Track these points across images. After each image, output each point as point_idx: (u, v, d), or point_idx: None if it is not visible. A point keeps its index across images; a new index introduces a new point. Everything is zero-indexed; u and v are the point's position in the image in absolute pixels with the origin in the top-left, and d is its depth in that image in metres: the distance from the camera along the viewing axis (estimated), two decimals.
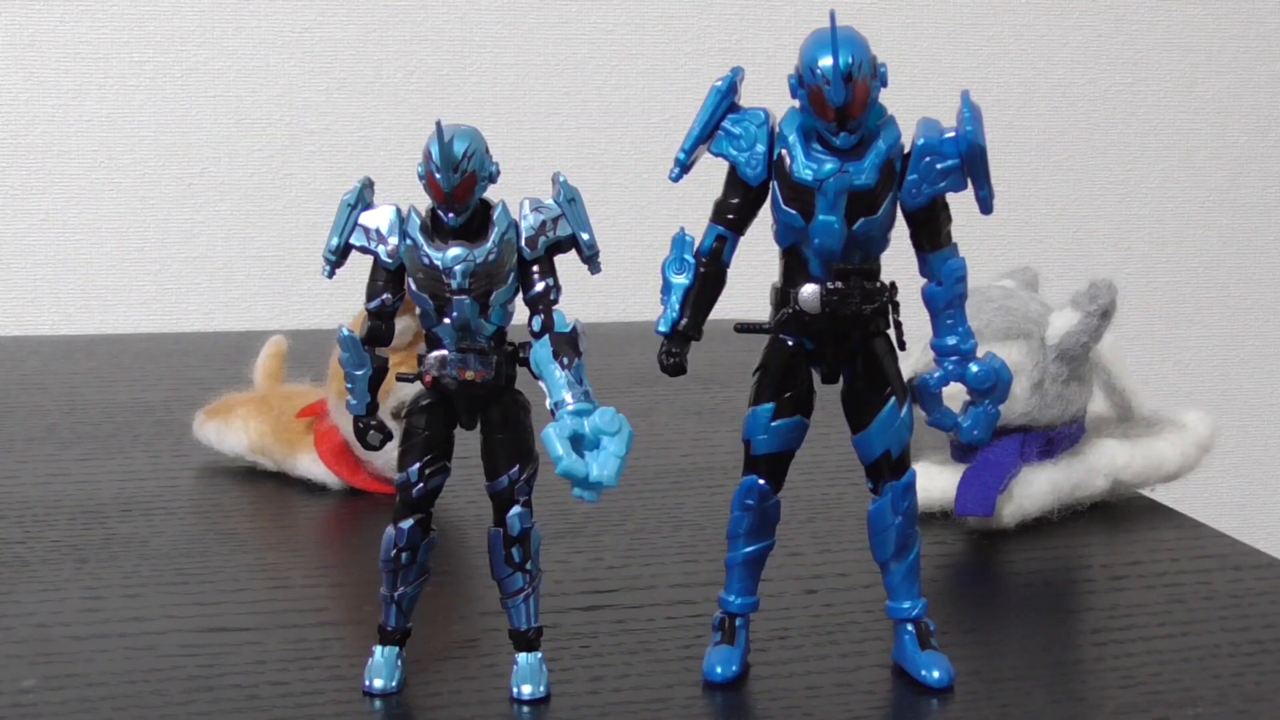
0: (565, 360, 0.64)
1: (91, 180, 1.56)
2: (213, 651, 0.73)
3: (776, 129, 0.67)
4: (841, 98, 0.64)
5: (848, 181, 0.66)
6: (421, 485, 0.68)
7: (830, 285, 0.67)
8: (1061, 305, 0.95)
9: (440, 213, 0.65)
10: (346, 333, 0.68)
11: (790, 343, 0.69)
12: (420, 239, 0.65)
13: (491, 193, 0.66)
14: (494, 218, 0.65)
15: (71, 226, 1.56)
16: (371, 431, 0.69)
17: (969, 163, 0.66)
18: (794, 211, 0.67)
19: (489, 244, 0.65)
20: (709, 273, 0.68)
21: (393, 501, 0.69)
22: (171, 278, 1.58)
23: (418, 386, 0.68)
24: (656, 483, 1.00)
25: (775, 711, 0.69)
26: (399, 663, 0.70)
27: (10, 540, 0.88)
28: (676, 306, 0.68)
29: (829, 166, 0.66)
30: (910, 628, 0.72)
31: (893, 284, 0.69)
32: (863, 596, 0.80)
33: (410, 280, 0.66)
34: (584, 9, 1.63)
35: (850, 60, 0.63)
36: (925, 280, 0.69)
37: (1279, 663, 0.74)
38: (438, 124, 0.63)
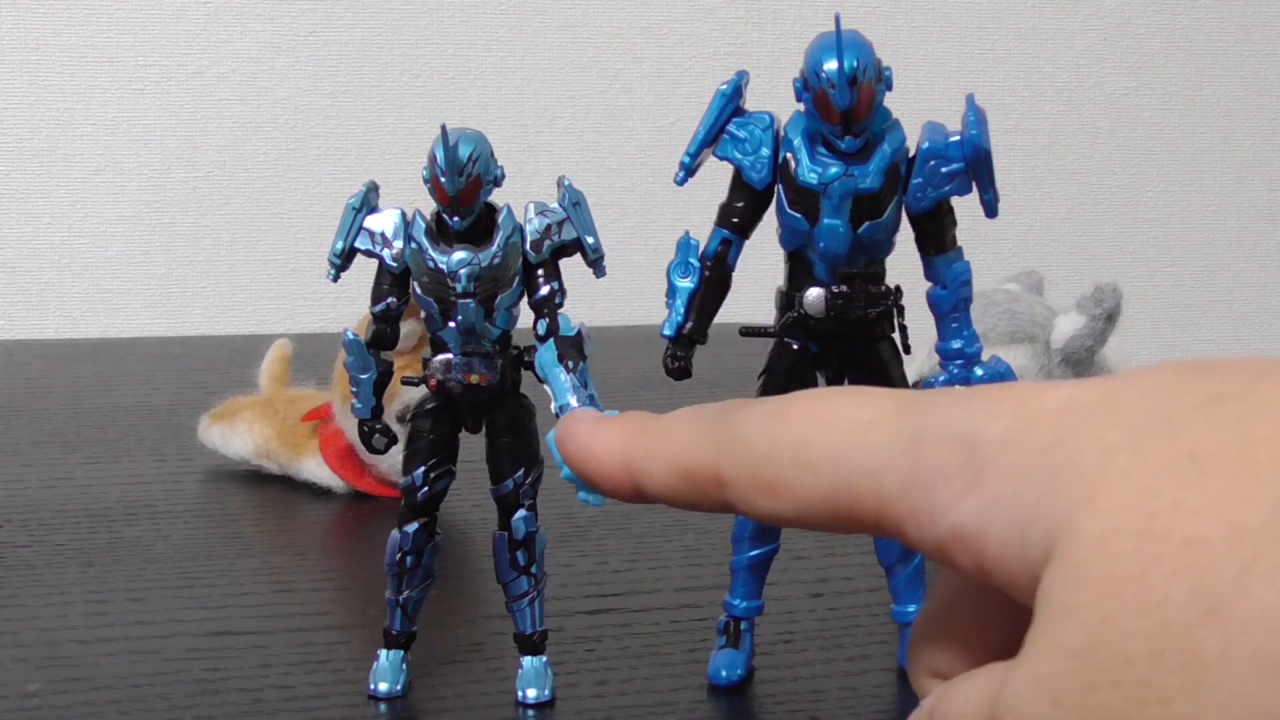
0: (570, 364, 0.64)
1: (96, 184, 1.56)
2: (218, 655, 0.73)
3: (781, 132, 0.67)
4: (846, 101, 0.64)
5: (853, 185, 0.66)
6: (426, 489, 0.68)
7: (835, 289, 0.67)
8: (1066, 309, 0.95)
9: (445, 216, 0.65)
10: (351, 336, 0.68)
11: (795, 346, 0.69)
12: (425, 242, 0.65)
13: (496, 196, 0.66)
14: (499, 221, 0.65)
15: (76, 230, 1.56)
16: (376, 435, 0.69)
17: (974, 166, 0.66)
18: (799, 215, 0.67)
19: (494, 248, 0.65)
20: (714, 276, 0.68)
21: (397, 505, 0.69)
22: (176, 281, 1.58)
23: (422, 390, 0.68)
24: None
25: (780, 715, 0.69)
26: (404, 666, 0.70)
27: (15, 544, 0.88)
28: (681, 310, 0.68)
29: (834, 170, 0.66)
30: None
31: (898, 288, 0.69)
32: (868, 600, 0.80)
33: (415, 284, 0.66)
34: (589, 12, 1.63)
35: (855, 64, 0.63)
36: (930, 284, 0.69)
37: None
38: (443, 127, 0.63)
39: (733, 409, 0.33)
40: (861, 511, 0.31)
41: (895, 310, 0.69)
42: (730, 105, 0.68)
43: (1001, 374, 0.69)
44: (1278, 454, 0.26)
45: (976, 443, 0.29)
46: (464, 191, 0.64)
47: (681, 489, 0.34)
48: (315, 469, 0.99)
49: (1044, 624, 0.27)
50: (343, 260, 0.67)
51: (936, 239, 0.68)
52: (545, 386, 0.64)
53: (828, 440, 0.31)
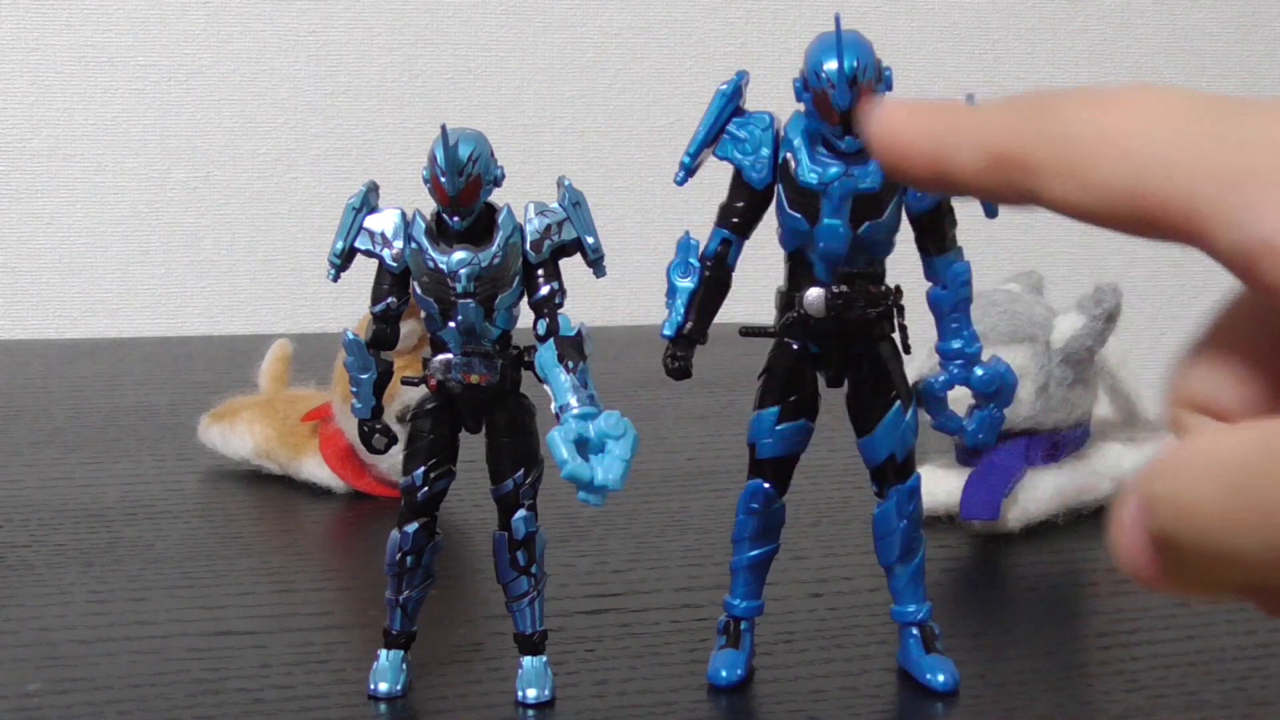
0: (570, 364, 0.64)
1: (96, 184, 1.56)
2: (218, 655, 0.73)
3: (781, 133, 0.67)
4: (846, 101, 0.64)
5: (853, 185, 0.66)
6: (426, 489, 0.68)
7: (835, 289, 0.67)
8: (1067, 309, 0.95)
9: (445, 216, 0.65)
10: (351, 336, 0.68)
11: (795, 346, 0.69)
12: (425, 243, 0.65)
13: (496, 196, 0.66)
14: (499, 221, 0.65)
15: (76, 230, 1.56)
16: (376, 435, 0.69)
17: None
18: (799, 215, 0.67)
19: (494, 248, 0.65)
20: (714, 276, 0.68)
21: (398, 505, 0.69)
22: (176, 281, 1.58)
23: (422, 390, 0.68)
24: (661, 486, 1.00)
25: (780, 715, 0.69)
26: (404, 666, 0.70)
27: (15, 544, 0.88)
28: (681, 310, 0.68)
29: (834, 170, 0.66)
30: (915, 631, 0.71)
31: (898, 287, 0.69)
32: (868, 600, 0.80)
33: (415, 284, 0.66)
34: (589, 12, 1.63)
35: (855, 64, 0.63)
36: (930, 284, 0.69)
37: None
38: (443, 127, 0.63)
39: (1048, 93, 0.32)
40: (1166, 208, 0.29)
41: (895, 310, 0.69)
42: (730, 105, 0.68)
43: (1002, 374, 0.69)
44: None
45: None
46: (464, 191, 0.64)
47: (988, 173, 0.32)
48: (315, 469, 0.99)
49: None
50: (343, 260, 0.67)
51: (937, 239, 0.68)
52: (545, 386, 0.64)
53: (1147, 132, 0.30)
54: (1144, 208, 0.30)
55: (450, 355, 0.67)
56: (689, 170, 0.68)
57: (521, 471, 0.67)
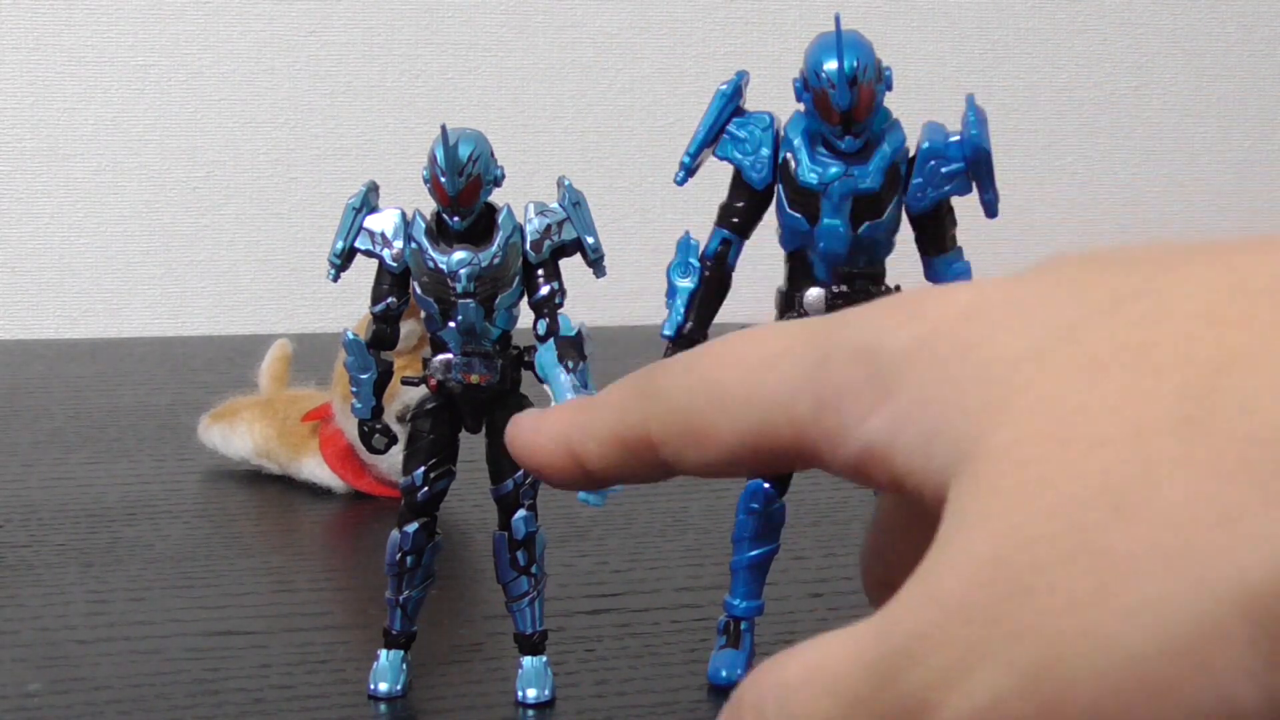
0: (570, 364, 0.64)
1: (96, 184, 1.56)
2: (218, 655, 0.73)
3: (781, 133, 0.67)
4: (846, 101, 0.64)
5: (853, 185, 0.66)
6: (426, 489, 0.68)
7: (835, 289, 0.67)
8: None
9: (445, 216, 0.65)
10: (351, 336, 0.68)
11: None
12: (425, 243, 0.65)
13: (496, 196, 0.66)
14: (499, 221, 0.65)
15: (76, 230, 1.56)
16: (376, 435, 0.69)
17: (974, 166, 0.66)
18: (799, 215, 0.67)
19: (494, 247, 0.65)
20: (714, 276, 0.68)
21: (398, 505, 0.69)
22: (176, 281, 1.58)
23: (423, 390, 0.68)
24: (661, 486, 1.00)
25: None
26: (404, 666, 0.70)
27: (15, 544, 0.88)
28: (681, 310, 0.68)
29: (834, 170, 0.66)
30: None
31: (898, 287, 0.69)
32: (868, 600, 0.80)
33: (415, 284, 0.66)
34: (589, 12, 1.63)
35: (855, 64, 0.63)
36: (930, 284, 0.69)
37: None
38: (443, 127, 0.63)
39: (656, 367, 0.33)
40: (781, 444, 0.30)
41: None
42: (730, 105, 0.68)
43: None
44: (1175, 352, 0.25)
45: (880, 355, 0.29)
46: (464, 191, 0.64)
47: (622, 459, 0.33)
48: (315, 469, 0.99)
49: (952, 536, 0.26)
50: (343, 260, 0.67)
51: (936, 239, 0.68)
52: (545, 386, 0.64)
53: (739, 378, 0.31)
54: (759, 451, 0.31)
55: (450, 355, 0.67)
56: (689, 170, 0.68)
57: (521, 472, 0.67)
